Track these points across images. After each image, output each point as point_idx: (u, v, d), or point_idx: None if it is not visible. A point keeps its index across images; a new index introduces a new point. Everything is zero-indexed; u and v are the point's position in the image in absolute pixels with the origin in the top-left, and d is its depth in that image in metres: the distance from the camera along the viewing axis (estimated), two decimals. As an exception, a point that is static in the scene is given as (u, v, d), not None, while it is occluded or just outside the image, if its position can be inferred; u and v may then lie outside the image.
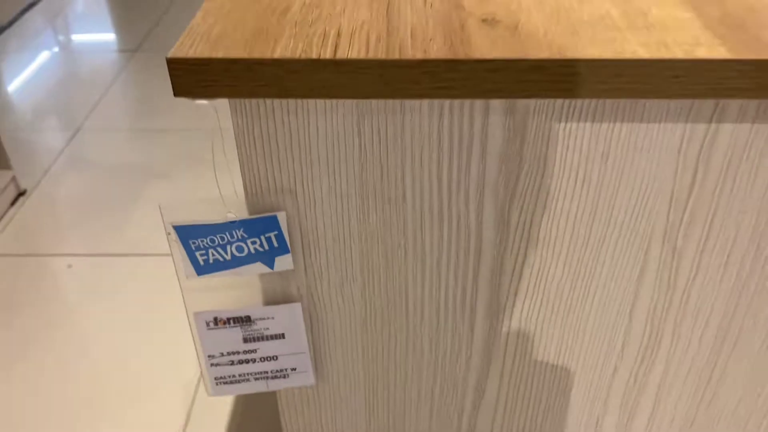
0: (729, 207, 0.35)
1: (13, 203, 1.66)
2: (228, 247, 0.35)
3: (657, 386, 0.43)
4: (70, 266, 1.48)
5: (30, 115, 2.02)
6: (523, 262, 0.37)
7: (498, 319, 0.40)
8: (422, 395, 0.44)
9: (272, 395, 1.13)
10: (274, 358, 0.41)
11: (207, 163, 1.76)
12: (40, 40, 2.43)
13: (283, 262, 0.37)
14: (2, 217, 1.63)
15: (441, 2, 0.33)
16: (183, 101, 1.97)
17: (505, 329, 0.41)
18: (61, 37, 2.40)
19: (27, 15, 2.65)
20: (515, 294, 0.39)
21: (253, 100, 0.31)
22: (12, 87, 2.17)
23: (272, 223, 0.35)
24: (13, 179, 1.63)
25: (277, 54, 0.29)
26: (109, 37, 2.43)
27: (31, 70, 2.17)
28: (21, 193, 1.69)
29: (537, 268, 0.38)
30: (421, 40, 0.30)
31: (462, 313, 0.40)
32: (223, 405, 1.13)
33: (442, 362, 0.42)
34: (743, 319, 0.40)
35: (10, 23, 2.57)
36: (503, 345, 0.41)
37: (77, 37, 2.42)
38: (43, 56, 2.28)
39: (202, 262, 0.36)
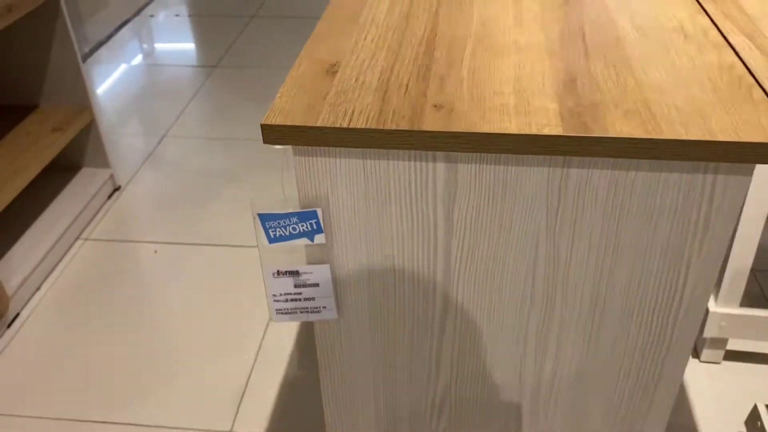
0: (583, 216, 0.60)
1: (109, 197, 2.00)
2: (287, 227, 0.63)
3: (557, 333, 0.68)
4: (155, 252, 1.80)
5: (122, 120, 2.38)
6: (463, 246, 0.63)
7: (450, 281, 0.66)
8: (407, 327, 0.70)
9: (315, 367, 1.41)
10: (312, 299, 0.68)
11: (270, 169, 2.05)
12: (130, 54, 2.79)
13: (319, 239, 0.64)
14: (101, 208, 1.97)
15: (414, 93, 0.60)
16: (254, 116, 2.29)
17: (455, 290, 0.67)
18: (148, 52, 2.76)
19: (121, 31, 3.03)
20: (459, 267, 0.65)
21: (305, 147, 0.58)
22: (106, 95, 2.53)
23: (313, 215, 0.62)
24: (111, 176, 1.97)
25: (318, 123, 0.56)
26: (192, 53, 2.76)
27: (122, 81, 2.52)
28: (116, 189, 2.03)
29: (471, 251, 0.63)
30: (398, 117, 0.57)
31: (429, 276, 0.66)
32: (276, 372, 1.42)
33: (417, 307, 0.68)
34: (606, 287, 0.64)
35: (107, 38, 2.95)
36: (454, 299, 0.67)
37: (163, 52, 2.76)
38: (133, 69, 2.64)
39: (272, 236, 0.63)
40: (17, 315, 1.65)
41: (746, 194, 0.56)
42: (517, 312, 0.66)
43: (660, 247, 0.60)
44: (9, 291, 1.63)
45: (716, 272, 0.60)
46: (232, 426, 1.33)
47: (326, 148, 0.57)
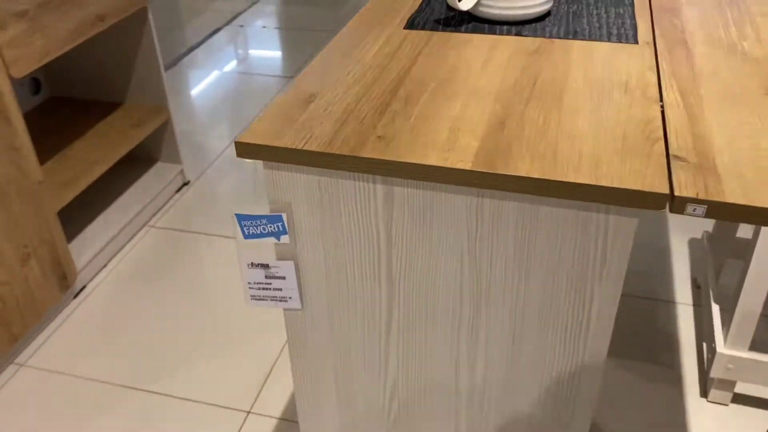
0: (498, 241, 0.71)
1: (178, 190, 2.22)
2: (258, 227, 0.77)
3: (484, 343, 0.79)
4: (210, 244, 1.99)
5: (204, 120, 2.61)
6: (401, 259, 0.75)
7: (393, 287, 0.78)
8: (359, 323, 0.82)
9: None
10: (280, 289, 0.82)
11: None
12: (220, 59, 3.03)
13: (284, 239, 0.77)
14: (169, 200, 2.19)
15: (367, 124, 0.73)
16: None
17: (397, 295, 0.79)
18: (237, 59, 3.00)
19: (214, 37, 3.29)
20: (399, 276, 0.77)
21: (272, 162, 0.72)
22: (194, 95, 2.77)
23: (279, 219, 0.76)
24: (181, 171, 2.18)
25: (280, 144, 0.70)
26: (274, 63, 2.98)
27: (209, 85, 2.76)
28: (185, 183, 2.25)
29: (409, 263, 0.75)
30: (346, 144, 0.70)
31: (376, 281, 0.78)
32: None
33: (367, 306, 0.80)
34: (523, 305, 0.75)
35: (199, 43, 3.21)
36: (397, 304, 0.79)
37: (249, 61, 2.99)
38: (221, 74, 2.87)
39: (246, 233, 0.77)
40: (83, 288, 1.88)
41: (633, 233, 0.65)
42: (449, 322, 0.78)
43: (566, 273, 0.70)
44: (78, 266, 1.86)
45: (617, 297, 0.69)
46: (251, 407, 1.48)
47: (287, 164, 0.71)
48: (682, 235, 1.98)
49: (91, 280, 1.91)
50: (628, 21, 0.95)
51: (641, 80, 0.79)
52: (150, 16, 2.02)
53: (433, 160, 0.65)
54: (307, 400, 0.91)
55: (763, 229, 1.22)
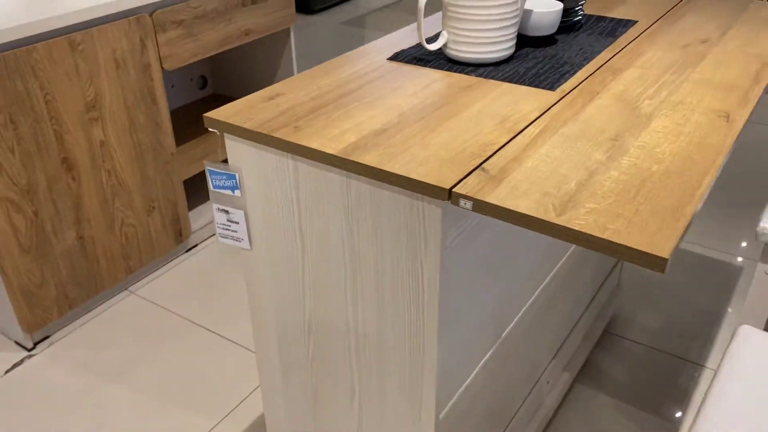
0: (360, 210, 0.98)
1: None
2: (221, 180, 1.11)
3: (361, 292, 1.05)
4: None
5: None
6: (310, 227, 1.05)
7: (305, 248, 1.07)
8: (284, 266, 1.12)
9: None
10: (236, 231, 1.15)
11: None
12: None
13: (237, 193, 1.11)
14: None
15: (295, 118, 1.03)
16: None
17: (309, 254, 1.08)
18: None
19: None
20: (306, 233, 1.06)
21: (227, 134, 1.06)
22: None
23: (233, 177, 1.09)
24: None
25: (230, 121, 1.03)
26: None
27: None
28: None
29: (311, 223, 1.04)
30: (268, 128, 1.01)
31: (294, 240, 1.08)
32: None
33: (289, 255, 1.11)
34: (381, 264, 1.00)
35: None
36: (309, 260, 1.08)
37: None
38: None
39: (214, 183, 1.11)
40: (195, 245, 2.34)
41: (440, 218, 0.89)
42: (342, 273, 1.05)
43: (404, 247, 0.95)
44: (194, 227, 2.33)
45: (437, 271, 0.93)
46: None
47: (235, 137, 1.04)
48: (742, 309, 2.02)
49: (203, 241, 2.37)
50: (567, 74, 1.17)
51: (521, 116, 1.02)
52: (292, 35, 2.46)
53: (315, 145, 0.95)
54: (261, 333, 1.23)
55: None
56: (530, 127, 0.99)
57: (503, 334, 1.26)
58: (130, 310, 2.12)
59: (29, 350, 1.97)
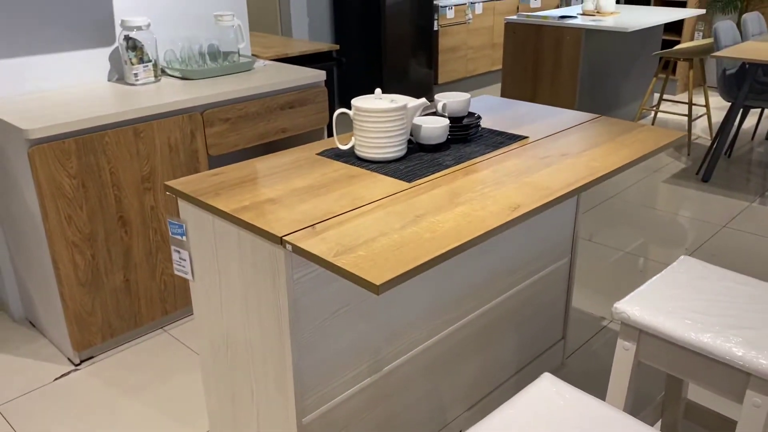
0: (229, 246, 1.44)
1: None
2: (176, 228, 1.62)
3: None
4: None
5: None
6: (220, 258, 1.52)
7: (221, 272, 1.55)
8: (215, 287, 1.60)
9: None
10: (184, 266, 1.65)
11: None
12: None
13: (184, 239, 1.61)
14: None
15: (218, 189, 1.53)
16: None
17: (219, 272, 1.55)
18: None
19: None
20: (220, 270, 1.53)
21: (177, 196, 1.56)
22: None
23: (181, 227, 1.60)
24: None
25: (176, 187, 1.54)
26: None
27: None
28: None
29: (226, 261, 1.52)
30: (200, 194, 1.51)
31: (214, 269, 1.56)
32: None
33: (213, 279, 1.58)
34: (250, 288, 1.45)
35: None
36: (220, 282, 1.55)
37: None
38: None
39: (172, 231, 1.63)
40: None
41: (279, 259, 1.33)
42: (240, 302, 1.51)
43: (271, 279, 1.40)
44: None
45: (286, 295, 1.36)
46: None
47: (182, 199, 1.55)
48: None
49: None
50: (431, 172, 1.60)
51: (370, 197, 1.46)
52: (325, 131, 3.01)
53: (220, 206, 1.43)
54: (201, 346, 1.69)
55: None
56: (369, 204, 1.42)
57: (384, 369, 1.64)
58: (161, 344, 2.64)
59: (76, 365, 2.53)
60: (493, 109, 2.16)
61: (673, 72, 6.05)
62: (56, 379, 2.45)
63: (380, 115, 1.59)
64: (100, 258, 2.43)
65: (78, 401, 2.32)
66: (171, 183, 1.55)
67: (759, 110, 5.25)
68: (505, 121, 2.03)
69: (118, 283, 2.50)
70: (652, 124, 5.32)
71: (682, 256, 1.92)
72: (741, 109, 4.07)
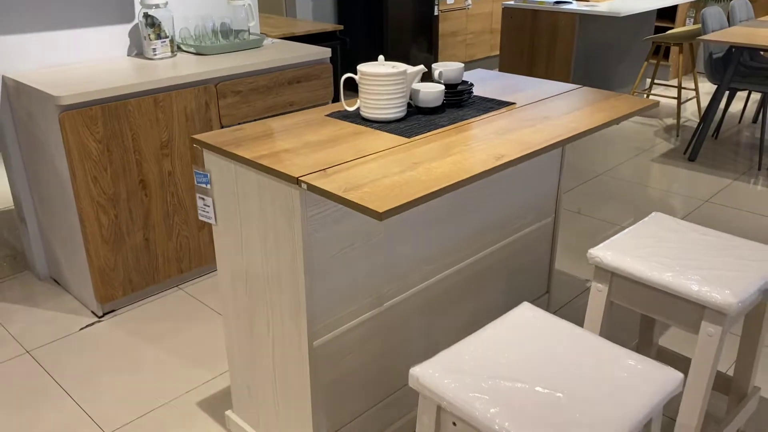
0: (251, 193, 1.66)
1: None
2: (201, 177, 1.84)
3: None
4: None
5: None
6: (241, 203, 1.74)
7: (242, 218, 1.77)
8: (237, 227, 1.82)
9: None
10: (208, 212, 1.87)
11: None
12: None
13: (209, 186, 1.83)
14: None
15: (239, 141, 1.75)
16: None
17: (240, 217, 1.77)
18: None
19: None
20: (242, 215, 1.75)
21: (204, 148, 1.78)
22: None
23: (206, 175, 1.82)
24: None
25: (202, 139, 1.76)
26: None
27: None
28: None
29: (246, 206, 1.74)
30: (223, 143, 1.73)
31: (235, 210, 1.78)
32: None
33: (233, 220, 1.80)
34: (267, 222, 1.67)
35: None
36: (241, 222, 1.77)
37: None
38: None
39: (197, 180, 1.85)
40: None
41: (294, 199, 1.56)
42: (259, 240, 1.73)
43: (287, 217, 1.62)
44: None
45: (301, 231, 1.58)
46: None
47: (208, 150, 1.77)
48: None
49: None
50: (428, 130, 1.82)
51: (373, 149, 1.68)
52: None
53: (241, 153, 1.65)
54: (222, 283, 1.92)
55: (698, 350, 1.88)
56: (372, 155, 1.65)
57: (385, 304, 1.86)
58: (178, 300, 2.86)
59: (99, 317, 2.75)
60: (485, 81, 2.38)
61: (666, 58, 6.26)
62: (82, 328, 2.68)
63: (383, 79, 1.80)
64: (122, 218, 2.65)
65: (102, 348, 2.55)
66: (198, 137, 1.76)
67: (746, 94, 5.46)
68: (495, 90, 2.25)
69: (138, 242, 2.73)
70: (644, 107, 5.52)
71: (654, 212, 2.14)
72: (727, 92, 4.29)
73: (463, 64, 2.01)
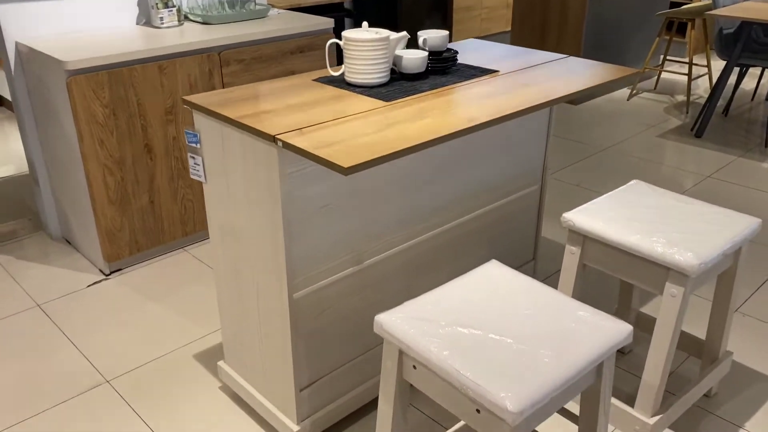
0: (236, 150, 1.75)
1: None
2: (191, 137, 1.94)
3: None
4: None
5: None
6: (228, 161, 1.84)
7: (229, 173, 1.87)
8: (222, 184, 1.92)
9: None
10: (198, 171, 1.97)
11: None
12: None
13: (198, 145, 1.93)
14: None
15: (228, 101, 1.84)
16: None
17: (228, 177, 1.87)
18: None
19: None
20: (228, 169, 1.85)
21: (193, 109, 1.88)
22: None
23: (196, 135, 1.92)
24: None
25: (191, 100, 1.86)
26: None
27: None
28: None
29: (233, 163, 1.83)
30: (211, 105, 1.82)
31: (221, 169, 1.88)
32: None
33: (219, 178, 1.90)
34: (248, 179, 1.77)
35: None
36: (228, 180, 1.87)
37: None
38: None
39: (187, 140, 1.95)
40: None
41: (275, 160, 1.64)
42: (242, 195, 1.83)
43: (267, 173, 1.71)
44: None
45: (279, 186, 1.68)
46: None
47: (197, 111, 1.86)
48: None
49: (243, 222, 3.20)
50: (408, 95, 1.89)
51: (351, 111, 1.76)
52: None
53: (225, 113, 1.74)
54: (212, 236, 2.02)
55: (663, 309, 1.96)
56: (350, 116, 1.73)
57: (365, 263, 1.95)
58: (182, 261, 2.99)
59: (106, 275, 2.89)
60: (476, 50, 2.43)
61: (683, 34, 6.21)
62: (89, 285, 2.81)
63: (366, 45, 1.88)
64: (128, 180, 2.77)
65: (108, 304, 2.68)
66: (187, 97, 1.86)
67: (759, 71, 5.42)
68: (483, 58, 2.31)
69: (143, 204, 2.84)
70: (656, 83, 5.52)
71: (634, 180, 2.20)
72: (739, 69, 4.27)
73: (447, 32, 2.08)
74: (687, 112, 4.89)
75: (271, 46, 3.01)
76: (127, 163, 2.74)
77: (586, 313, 1.51)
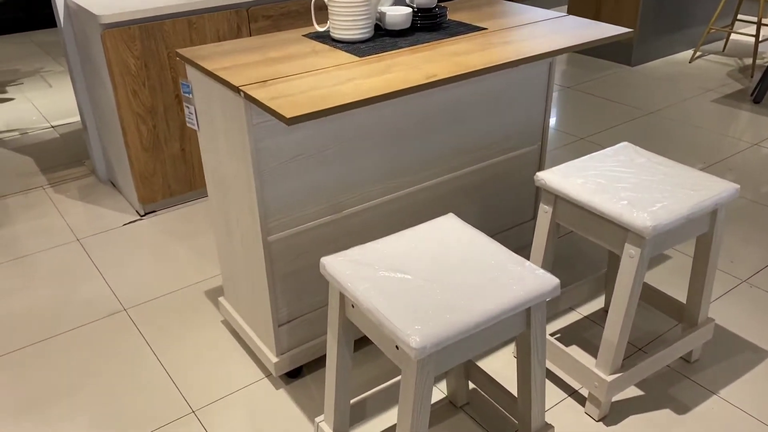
0: (210, 101, 1.87)
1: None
2: (185, 87, 2.07)
3: (232, 156, 1.95)
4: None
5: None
6: (215, 112, 1.96)
7: (216, 124, 2.00)
8: (212, 131, 2.05)
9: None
10: (192, 119, 2.11)
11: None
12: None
13: (191, 95, 2.06)
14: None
15: (217, 56, 1.96)
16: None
17: (215, 125, 2.00)
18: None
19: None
20: (219, 136, 1.97)
21: (188, 66, 2.01)
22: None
23: (188, 86, 2.05)
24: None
25: (187, 55, 1.98)
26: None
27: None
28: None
29: (221, 114, 1.96)
30: (201, 60, 1.94)
31: (210, 118, 2.00)
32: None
33: (209, 125, 2.03)
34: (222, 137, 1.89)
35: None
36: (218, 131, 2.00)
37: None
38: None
39: (182, 90, 2.08)
40: (264, 173, 3.31)
41: (243, 104, 1.75)
42: (222, 142, 1.95)
43: (238, 123, 1.83)
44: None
45: (247, 133, 1.79)
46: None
47: (188, 64, 1.99)
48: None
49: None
50: (384, 50, 1.95)
51: (321, 65, 1.84)
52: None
53: (206, 65, 1.86)
54: (209, 182, 2.16)
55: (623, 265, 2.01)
56: (317, 70, 1.81)
57: (344, 212, 2.05)
58: (208, 207, 3.17)
59: (141, 216, 3.11)
60: (475, 7, 2.44)
61: (763, -6, 5.84)
62: (125, 224, 3.04)
63: (346, 1, 1.94)
64: (160, 129, 2.95)
65: (139, 242, 2.90)
66: (179, 50, 1.98)
67: None
68: (479, 15, 2.32)
69: (175, 152, 3.03)
70: (724, 45, 5.26)
71: (624, 142, 2.18)
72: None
73: (435, -10, 2.10)
74: (752, 76, 4.65)
75: (298, 2, 3.09)
76: (159, 112, 2.92)
77: (517, 266, 1.56)
